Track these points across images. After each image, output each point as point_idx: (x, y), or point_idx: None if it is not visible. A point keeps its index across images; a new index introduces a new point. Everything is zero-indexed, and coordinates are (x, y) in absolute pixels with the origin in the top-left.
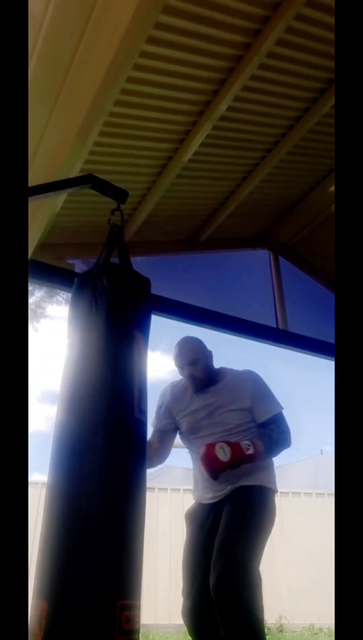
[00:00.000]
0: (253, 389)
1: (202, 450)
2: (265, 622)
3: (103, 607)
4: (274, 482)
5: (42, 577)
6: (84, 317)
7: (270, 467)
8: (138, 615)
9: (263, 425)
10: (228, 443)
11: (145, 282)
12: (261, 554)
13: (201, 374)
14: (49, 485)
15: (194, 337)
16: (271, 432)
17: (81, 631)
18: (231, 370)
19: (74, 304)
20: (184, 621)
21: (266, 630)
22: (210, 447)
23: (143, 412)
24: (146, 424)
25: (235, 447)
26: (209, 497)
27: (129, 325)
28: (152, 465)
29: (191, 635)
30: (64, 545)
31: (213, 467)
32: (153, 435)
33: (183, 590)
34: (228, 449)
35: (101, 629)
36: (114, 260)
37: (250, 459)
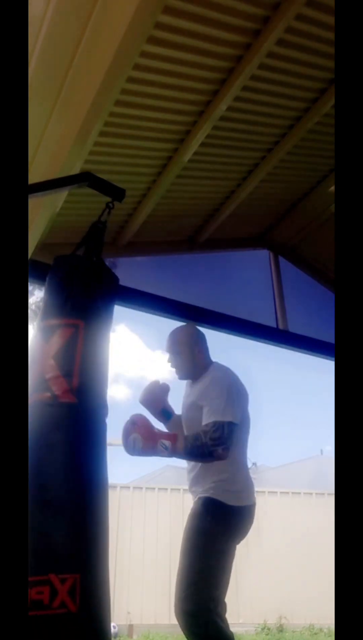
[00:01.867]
0: (211, 390)
1: (123, 428)
2: (263, 624)
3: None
4: (230, 497)
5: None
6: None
7: (232, 479)
8: (49, 591)
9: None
10: (144, 437)
11: (106, 274)
12: (213, 567)
13: (182, 365)
14: None
15: (189, 327)
16: (203, 435)
17: None
18: (217, 367)
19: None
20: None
21: (266, 630)
22: (126, 433)
23: (67, 392)
24: (72, 405)
25: (148, 443)
26: (193, 499)
27: (64, 313)
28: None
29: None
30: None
31: (127, 448)
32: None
33: None
34: (140, 444)
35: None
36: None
37: (161, 455)
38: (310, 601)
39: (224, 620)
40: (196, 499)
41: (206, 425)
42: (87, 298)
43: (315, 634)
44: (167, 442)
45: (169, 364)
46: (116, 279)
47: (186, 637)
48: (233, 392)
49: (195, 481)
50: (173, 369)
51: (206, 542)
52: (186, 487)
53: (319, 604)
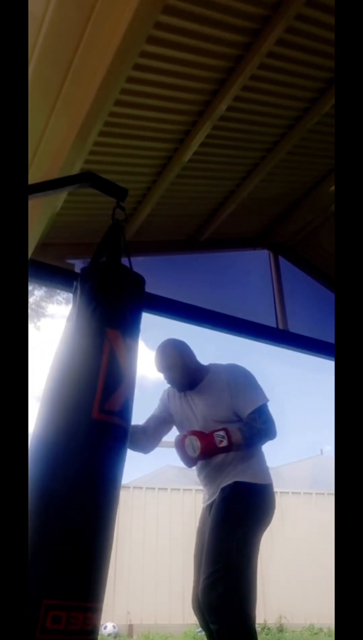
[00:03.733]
0: (231, 384)
1: (175, 441)
2: (263, 624)
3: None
4: (258, 477)
5: None
6: (68, 317)
7: (253, 461)
8: (79, 618)
9: (245, 417)
10: (198, 436)
11: (134, 280)
12: (248, 550)
13: (180, 377)
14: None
15: (171, 341)
16: (253, 422)
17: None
18: (215, 366)
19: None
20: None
21: (266, 630)
22: (180, 441)
23: (108, 412)
24: (116, 424)
25: (205, 440)
26: (206, 500)
27: (99, 322)
28: (145, 450)
29: (202, 628)
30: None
31: (185, 460)
32: (149, 420)
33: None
34: (197, 443)
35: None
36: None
37: (224, 450)
38: (310, 601)
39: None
40: (219, 489)
41: (250, 414)
42: (131, 311)
43: (315, 634)
44: (221, 433)
45: (167, 381)
46: (143, 282)
47: (213, 625)
48: (251, 376)
49: (213, 477)
50: (169, 383)
51: (247, 526)
52: (186, 487)
53: (319, 604)
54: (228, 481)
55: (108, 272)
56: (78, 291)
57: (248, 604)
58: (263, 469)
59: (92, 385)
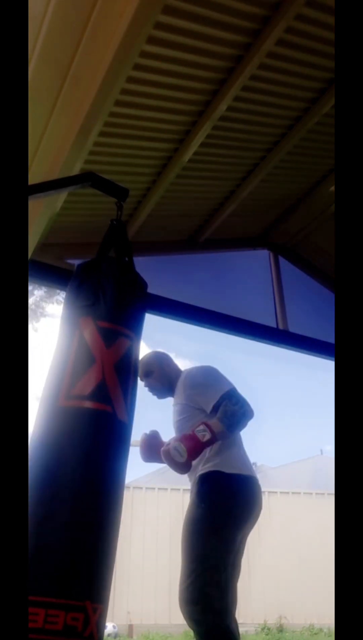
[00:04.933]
0: (187, 387)
1: (163, 454)
2: (263, 624)
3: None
4: (229, 465)
5: None
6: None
7: (230, 452)
8: (55, 615)
9: (215, 409)
10: (181, 439)
11: (142, 282)
12: (220, 546)
13: (158, 384)
14: None
15: (152, 352)
16: (225, 408)
17: None
18: (185, 370)
19: (71, 294)
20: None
21: (266, 630)
22: (166, 452)
23: (77, 397)
24: (88, 408)
25: (188, 440)
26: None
27: (73, 314)
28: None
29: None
30: None
31: (178, 468)
32: None
33: None
34: (182, 447)
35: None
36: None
37: (210, 443)
38: (310, 601)
39: (231, 613)
40: (196, 477)
41: (219, 401)
42: (138, 310)
43: (315, 634)
44: (201, 427)
45: (149, 388)
46: (145, 285)
47: (189, 621)
48: (209, 371)
49: (193, 470)
50: (152, 391)
51: (214, 520)
52: (186, 487)
53: (319, 604)
54: (202, 471)
55: (127, 270)
56: (75, 286)
57: (225, 602)
58: (240, 460)
59: (61, 373)
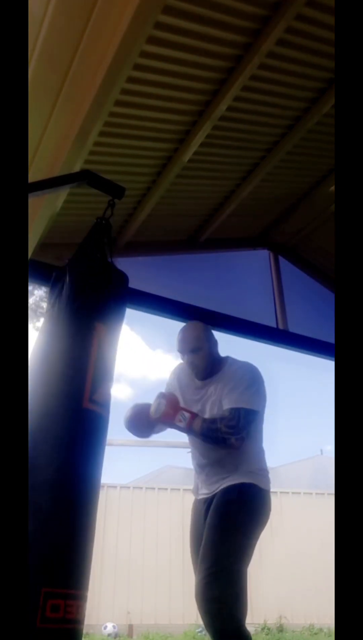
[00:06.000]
0: (235, 380)
1: (154, 399)
2: (263, 624)
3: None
4: (264, 482)
5: None
6: (50, 309)
7: (256, 463)
8: (75, 606)
9: (224, 412)
10: (168, 402)
11: (118, 276)
12: (246, 553)
13: (202, 363)
14: None
15: (200, 323)
16: (221, 420)
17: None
18: (233, 360)
19: (48, 297)
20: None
21: (266, 630)
22: (155, 399)
23: (96, 402)
24: (101, 415)
25: (170, 408)
26: (203, 493)
27: (88, 317)
28: (145, 434)
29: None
30: None
31: (141, 426)
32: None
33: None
34: (163, 407)
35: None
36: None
37: (177, 428)
38: (310, 601)
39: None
40: (216, 489)
41: (225, 411)
42: (113, 302)
43: (315, 634)
44: (187, 414)
45: (188, 363)
46: (127, 280)
47: (204, 617)
48: (258, 380)
49: (208, 471)
50: (189, 366)
51: (250, 527)
52: (186, 487)
53: (319, 604)
54: (232, 481)
55: (98, 268)
56: (63, 284)
57: (240, 604)
58: (265, 474)
59: (82, 375)
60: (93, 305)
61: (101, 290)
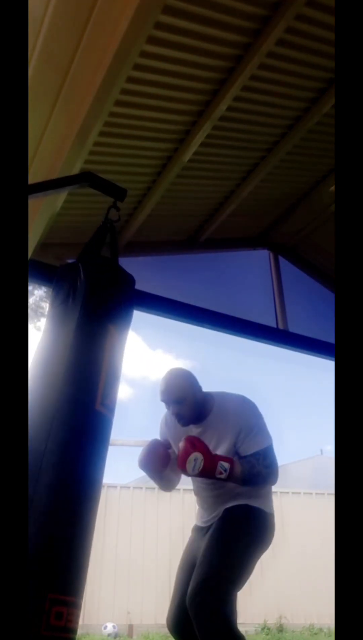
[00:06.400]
0: (240, 424)
1: (179, 449)
2: (263, 624)
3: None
4: (267, 505)
5: None
6: (60, 306)
7: (267, 490)
8: (74, 615)
9: (246, 457)
10: (205, 457)
11: (128, 278)
12: (243, 573)
13: (188, 411)
14: None
15: (182, 372)
16: (256, 462)
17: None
18: (221, 397)
19: (53, 293)
20: (169, 630)
21: (266, 630)
22: (184, 454)
23: (107, 406)
24: (109, 418)
25: (209, 464)
26: (205, 520)
27: (103, 319)
28: (170, 489)
29: None
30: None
31: (182, 470)
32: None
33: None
34: (200, 464)
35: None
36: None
37: (218, 479)
38: (310, 601)
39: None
40: (223, 510)
41: (254, 454)
42: (123, 304)
43: (315, 634)
44: (226, 464)
45: (174, 414)
46: (134, 282)
47: (199, 627)
48: (259, 416)
49: (216, 501)
50: (175, 416)
51: (251, 547)
52: (186, 487)
53: (319, 604)
54: (238, 502)
55: (107, 269)
56: (72, 283)
57: (232, 610)
58: (270, 497)
59: (94, 378)
60: (106, 307)
61: (113, 292)
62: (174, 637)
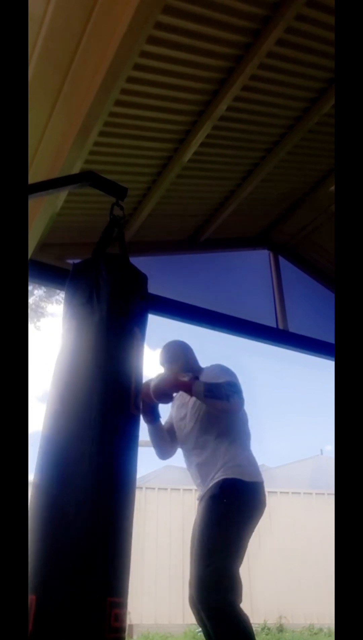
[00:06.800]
0: (212, 374)
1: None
2: (263, 623)
3: (93, 603)
4: (247, 474)
5: (32, 572)
6: (82, 305)
7: (242, 458)
8: (125, 614)
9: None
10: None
11: (144, 278)
12: (237, 550)
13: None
14: (36, 480)
15: (178, 341)
16: (220, 385)
17: (69, 626)
18: (208, 366)
19: (70, 292)
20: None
21: (266, 630)
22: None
23: (138, 408)
24: (139, 419)
25: (171, 374)
26: (200, 496)
27: (130, 320)
28: (167, 456)
29: (198, 624)
30: (50, 540)
31: (154, 388)
32: (167, 426)
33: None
34: (164, 375)
35: (91, 625)
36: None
37: (182, 385)
38: (310, 601)
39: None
40: (207, 487)
41: (219, 383)
42: (144, 305)
43: (315, 634)
44: (189, 374)
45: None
46: (147, 281)
47: (208, 621)
48: (232, 372)
49: (201, 471)
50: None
51: (228, 520)
52: (186, 487)
53: (319, 604)
54: (217, 478)
55: (125, 268)
56: (92, 284)
57: (236, 596)
58: (252, 466)
59: (128, 383)
60: (131, 307)
61: (135, 292)
62: (194, 614)
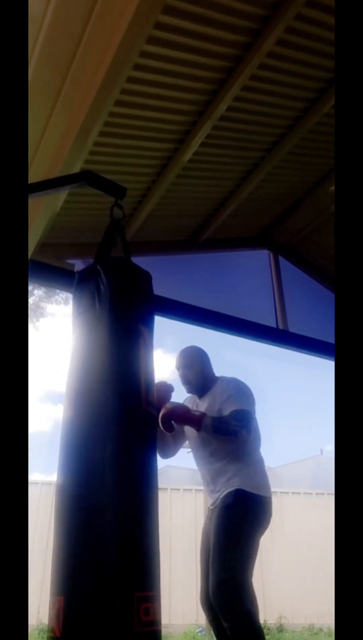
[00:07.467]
0: (226, 391)
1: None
2: (263, 624)
3: (120, 599)
4: (259, 488)
5: (58, 574)
6: (87, 312)
7: (254, 471)
8: (158, 607)
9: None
10: (177, 406)
11: (147, 276)
12: (250, 557)
13: (195, 379)
14: (59, 482)
15: (195, 347)
16: (231, 418)
17: (98, 623)
18: (224, 377)
19: (76, 300)
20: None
21: (266, 630)
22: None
23: (150, 404)
24: (154, 416)
25: (180, 410)
26: (211, 504)
27: (134, 319)
28: (169, 455)
29: (210, 624)
30: (75, 541)
31: (163, 418)
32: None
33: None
34: (175, 407)
35: (119, 620)
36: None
37: (193, 419)
38: (310, 601)
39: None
40: (219, 492)
41: (230, 412)
42: (149, 304)
43: (315, 633)
44: (197, 412)
45: (182, 379)
46: (151, 280)
47: (225, 623)
48: (247, 390)
49: (214, 482)
50: (181, 380)
51: (242, 529)
52: (186, 487)
53: (319, 604)
54: (229, 488)
55: (126, 269)
56: (96, 286)
57: (252, 600)
58: (264, 481)
59: (138, 379)
60: (133, 307)
61: (136, 291)
62: (206, 615)
